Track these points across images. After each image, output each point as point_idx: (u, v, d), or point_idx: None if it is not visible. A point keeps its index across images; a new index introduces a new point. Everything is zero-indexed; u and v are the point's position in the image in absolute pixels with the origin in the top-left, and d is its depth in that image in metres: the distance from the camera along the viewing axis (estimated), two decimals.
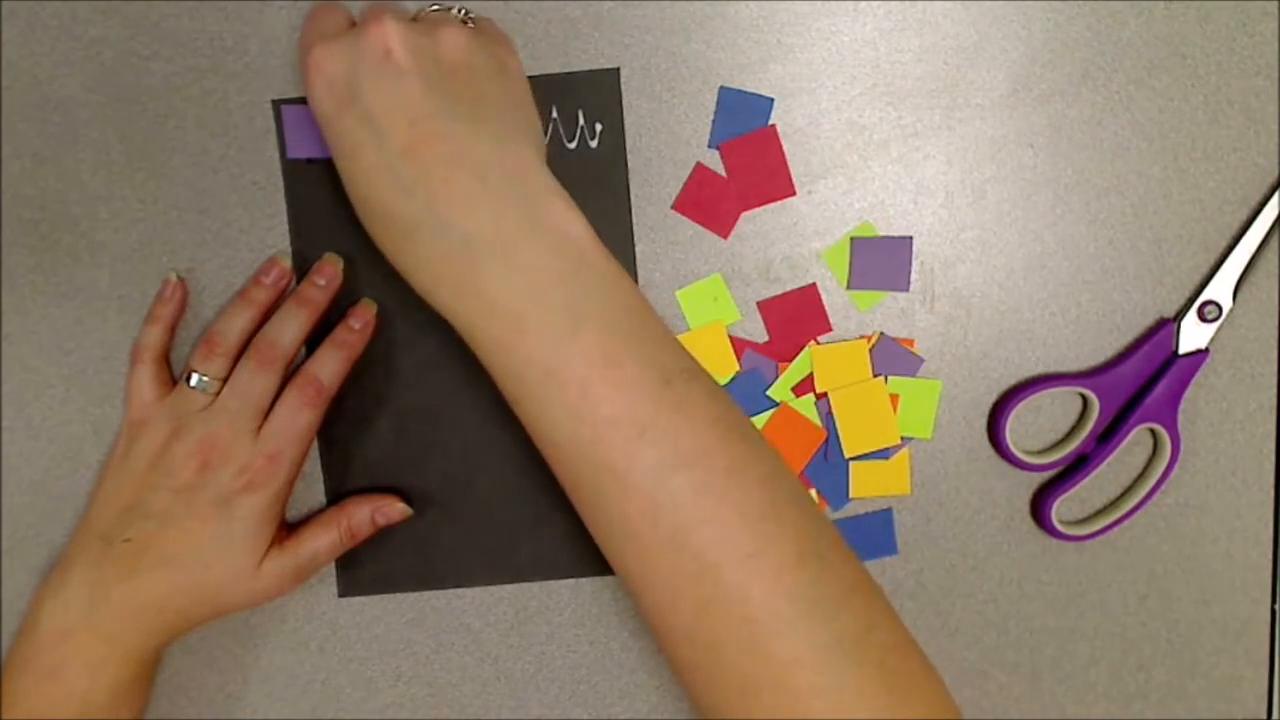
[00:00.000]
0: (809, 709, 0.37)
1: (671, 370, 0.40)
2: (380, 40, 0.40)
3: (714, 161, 0.50)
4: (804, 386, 0.51)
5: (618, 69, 0.50)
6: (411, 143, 0.39)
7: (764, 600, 0.37)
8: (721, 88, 0.50)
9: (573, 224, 0.41)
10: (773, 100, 0.50)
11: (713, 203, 0.50)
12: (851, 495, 0.51)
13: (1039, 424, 0.52)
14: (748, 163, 0.50)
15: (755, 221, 0.51)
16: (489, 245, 0.39)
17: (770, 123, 0.50)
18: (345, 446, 0.52)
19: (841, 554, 0.40)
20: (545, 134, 0.50)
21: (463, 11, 0.46)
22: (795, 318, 0.51)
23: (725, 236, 0.50)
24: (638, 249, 0.50)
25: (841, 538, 0.40)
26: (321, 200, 0.50)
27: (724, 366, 0.51)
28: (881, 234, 0.51)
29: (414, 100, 0.40)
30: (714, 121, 0.50)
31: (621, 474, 0.38)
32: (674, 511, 0.38)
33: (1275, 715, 0.53)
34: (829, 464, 0.51)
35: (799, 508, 0.39)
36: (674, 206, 0.50)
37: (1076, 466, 0.51)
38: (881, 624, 0.39)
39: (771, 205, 0.50)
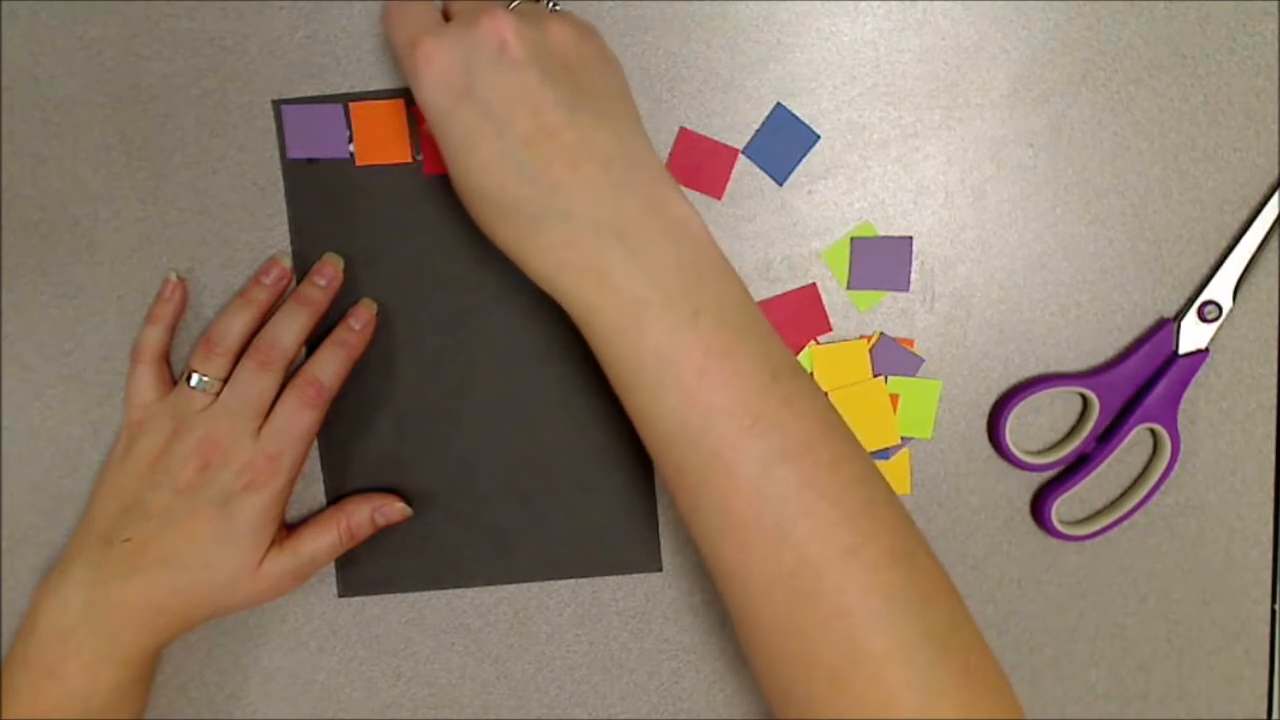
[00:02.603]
0: (897, 703, 0.38)
1: (779, 364, 0.40)
2: (495, 33, 0.40)
3: (698, 125, 0.50)
4: None
5: None
6: (534, 132, 0.40)
7: (860, 595, 0.38)
8: (778, 104, 0.50)
9: (689, 214, 0.41)
10: (819, 137, 0.50)
11: (702, 165, 0.50)
12: None
13: (1039, 424, 0.52)
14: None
15: (755, 222, 0.51)
16: (615, 232, 0.40)
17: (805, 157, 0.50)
18: (345, 446, 0.52)
19: (927, 553, 0.41)
20: None
21: (550, 4, 0.46)
22: (795, 318, 0.51)
23: (719, 198, 0.50)
24: None
25: (924, 536, 0.41)
26: (321, 200, 0.50)
27: None
28: (881, 234, 0.51)
29: (533, 91, 0.40)
30: (758, 132, 0.50)
31: (729, 464, 0.39)
32: (778, 504, 0.39)
33: (1275, 715, 0.53)
34: None
35: (891, 505, 0.40)
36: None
37: (1076, 466, 0.51)
38: (963, 624, 0.40)
39: (771, 205, 0.50)
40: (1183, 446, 0.51)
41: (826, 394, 0.41)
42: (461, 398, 0.51)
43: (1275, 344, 0.51)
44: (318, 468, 0.52)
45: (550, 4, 0.45)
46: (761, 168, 0.50)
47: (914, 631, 0.38)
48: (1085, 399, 0.51)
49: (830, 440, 0.40)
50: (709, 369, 0.39)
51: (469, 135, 0.40)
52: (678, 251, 0.40)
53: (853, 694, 0.38)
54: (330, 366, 0.49)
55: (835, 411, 0.41)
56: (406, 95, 0.50)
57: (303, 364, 0.49)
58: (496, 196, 0.41)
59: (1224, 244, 0.50)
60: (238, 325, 0.49)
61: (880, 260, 0.51)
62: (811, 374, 0.42)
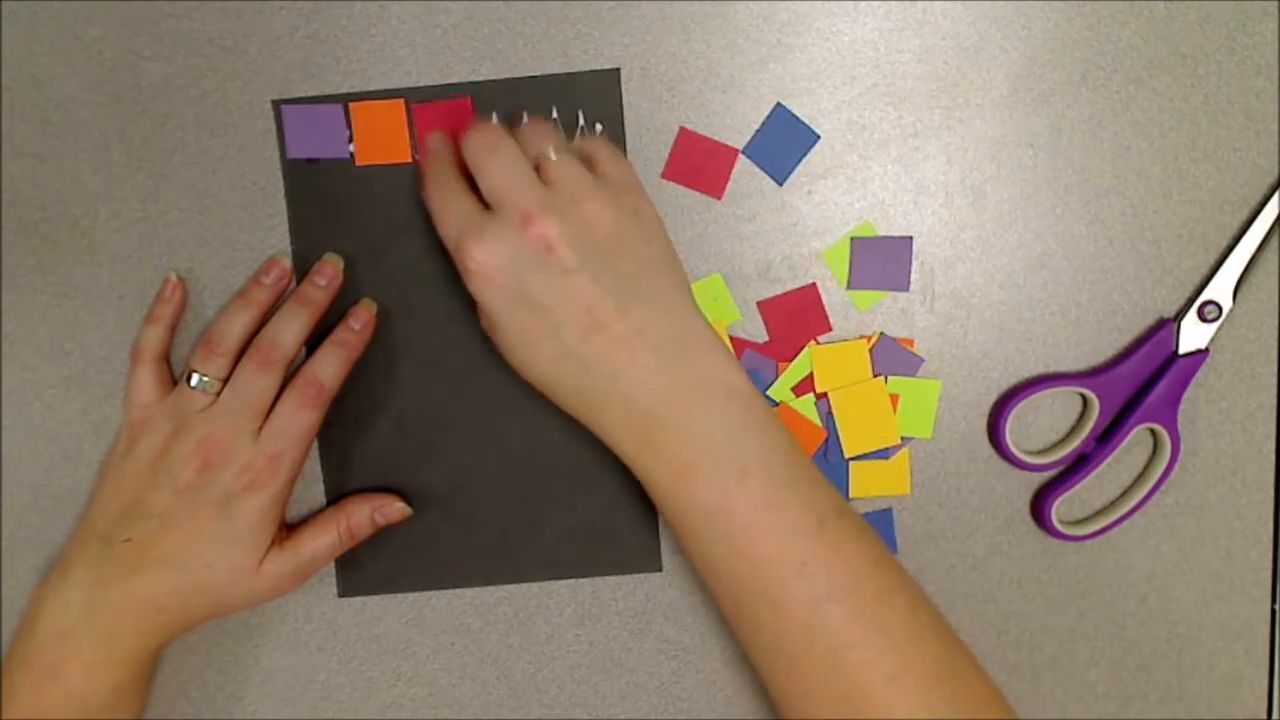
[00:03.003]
0: None
1: (825, 510, 0.43)
2: (541, 239, 0.42)
3: (698, 125, 0.50)
4: (804, 386, 0.51)
5: (618, 69, 0.50)
6: (590, 328, 0.43)
7: (906, 714, 0.41)
8: (778, 104, 0.50)
9: (734, 377, 0.44)
10: (819, 137, 0.50)
11: (702, 165, 0.50)
12: (851, 495, 0.51)
13: (1039, 424, 0.52)
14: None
15: (755, 222, 0.51)
16: (668, 408, 0.43)
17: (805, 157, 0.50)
18: (345, 446, 0.52)
19: (975, 673, 0.44)
20: None
21: (580, 129, 0.49)
22: (795, 318, 0.51)
23: (719, 198, 0.50)
24: None
25: (975, 658, 0.45)
26: (321, 200, 0.50)
27: None
28: (881, 234, 0.51)
29: (585, 291, 0.43)
30: (758, 132, 0.50)
31: (779, 604, 0.42)
32: (827, 636, 0.42)
33: (1275, 715, 0.53)
34: (829, 464, 0.51)
35: (936, 631, 0.44)
36: (663, 175, 0.50)
37: (1076, 466, 0.51)
38: None
39: (771, 205, 0.50)
40: (1183, 446, 0.51)
41: (872, 528, 0.45)
42: (461, 398, 0.51)
43: (1275, 344, 0.51)
44: (318, 468, 0.52)
45: (581, 131, 0.47)
46: (761, 168, 0.50)
47: None
48: (1085, 399, 0.51)
49: (876, 577, 0.43)
50: (755, 523, 0.42)
51: (527, 336, 0.43)
52: (726, 417, 0.43)
53: None
54: (330, 366, 0.49)
55: (882, 546, 0.45)
56: (406, 95, 0.50)
57: (303, 364, 0.49)
58: (561, 386, 0.44)
59: (1224, 244, 0.50)
60: (238, 325, 0.49)
61: (880, 260, 0.51)
62: (854, 511, 0.46)
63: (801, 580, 0.42)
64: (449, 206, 0.45)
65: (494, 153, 0.44)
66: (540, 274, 0.42)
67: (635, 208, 0.45)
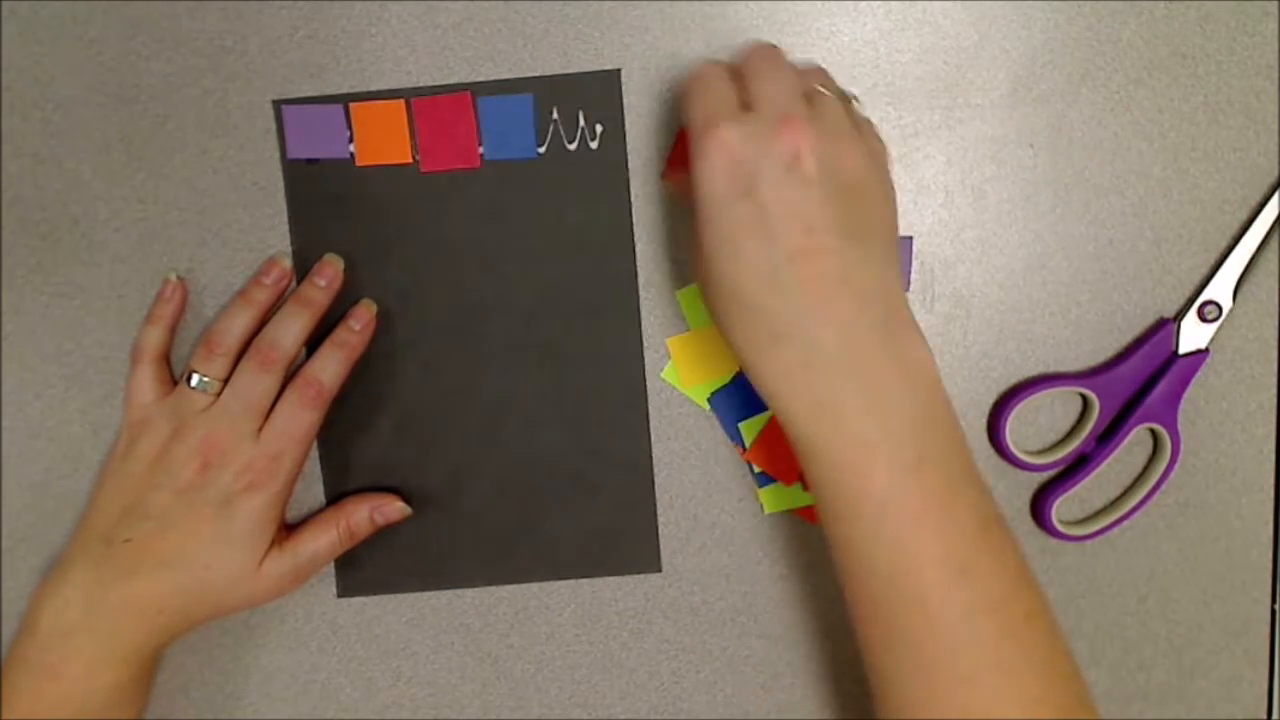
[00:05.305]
0: None
1: (988, 515, 0.41)
2: (793, 143, 0.40)
3: None
4: None
5: (618, 69, 0.50)
6: (803, 250, 0.40)
7: None
8: None
9: (926, 359, 0.41)
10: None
11: None
12: None
13: (1039, 424, 0.52)
14: None
15: None
16: (856, 371, 0.40)
17: None
18: (345, 446, 0.52)
19: (1092, 708, 0.42)
20: (545, 135, 0.50)
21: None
22: None
23: None
24: (638, 249, 0.50)
25: (1089, 690, 0.43)
26: (321, 200, 0.50)
27: (723, 368, 0.51)
28: None
29: (813, 210, 0.40)
30: None
31: (931, 611, 0.40)
32: (973, 653, 0.40)
33: (1275, 715, 0.53)
34: None
35: (1068, 658, 0.42)
36: (663, 175, 0.50)
37: (1076, 466, 0.51)
38: None
39: None
40: (1183, 446, 0.51)
41: (1020, 545, 0.42)
42: (461, 398, 0.51)
43: (1275, 344, 0.51)
44: (318, 468, 0.52)
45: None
46: None
47: None
48: (1085, 399, 0.51)
49: (1025, 594, 0.41)
50: (926, 518, 0.40)
51: (739, 233, 0.40)
52: (912, 398, 0.40)
53: None
54: (330, 367, 0.49)
55: (1028, 565, 0.42)
56: (406, 95, 0.50)
57: (303, 364, 0.49)
58: (748, 300, 0.40)
59: (1224, 244, 0.50)
60: (238, 326, 0.49)
61: None
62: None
63: (960, 587, 0.40)
64: (710, 90, 0.42)
65: (773, 64, 0.42)
66: (776, 176, 0.40)
67: (882, 179, 0.43)
